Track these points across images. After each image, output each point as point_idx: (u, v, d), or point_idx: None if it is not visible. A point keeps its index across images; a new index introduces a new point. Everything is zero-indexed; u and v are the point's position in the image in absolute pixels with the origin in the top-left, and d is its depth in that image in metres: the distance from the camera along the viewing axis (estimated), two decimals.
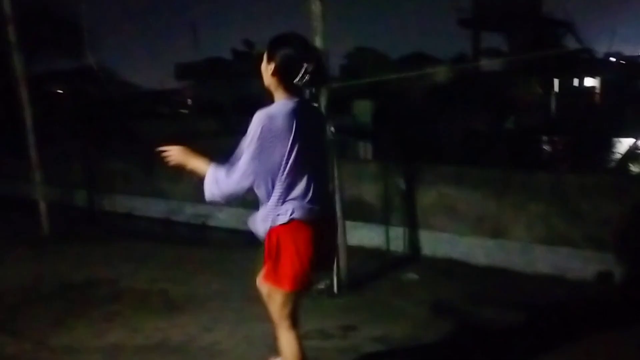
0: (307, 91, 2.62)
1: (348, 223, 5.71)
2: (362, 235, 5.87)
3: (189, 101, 32.96)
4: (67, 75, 17.87)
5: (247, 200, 2.74)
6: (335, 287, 4.59)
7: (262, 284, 2.75)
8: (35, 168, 6.45)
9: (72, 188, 8.26)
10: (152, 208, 7.60)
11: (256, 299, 4.18)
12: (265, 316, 3.70)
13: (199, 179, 2.61)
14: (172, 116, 25.20)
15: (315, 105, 2.83)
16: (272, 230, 2.56)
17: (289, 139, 2.45)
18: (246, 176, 2.48)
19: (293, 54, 2.52)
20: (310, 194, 2.55)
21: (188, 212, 7.18)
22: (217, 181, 2.53)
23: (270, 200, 2.53)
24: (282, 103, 2.54)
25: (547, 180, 5.14)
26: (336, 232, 2.95)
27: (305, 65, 2.48)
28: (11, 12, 6.09)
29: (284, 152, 2.46)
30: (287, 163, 2.47)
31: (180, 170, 2.74)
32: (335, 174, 4.61)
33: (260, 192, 2.56)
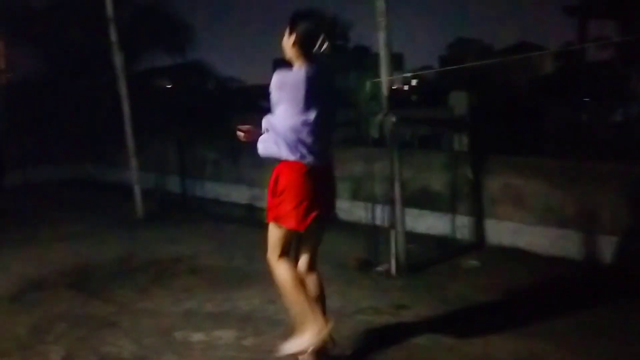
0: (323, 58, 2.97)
1: (415, 211, 5.97)
2: (429, 223, 6.06)
3: None
4: (172, 70, 18.92)
5: None
6: (394, 269, 4.82)
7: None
8: (132, 156, 7.11)
9: (166, 175, 8.98)
10: (237, 194, 8.11)
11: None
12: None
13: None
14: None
15: (329, 72, 3.10)
16: (280, 171, 2.94)
17: (303, 98, 2.83)
18: (267, 125, 2.95)
19: (311, 27, 2.90)
20: (317, 145, 2.93)
21: None
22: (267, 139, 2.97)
23: (284, 145, 2.89)
24: (297, 69, 2.92)
25: (615, 170, 5.06)
26: (334, 182, 3.20)
27: (322, 36, 2.87)
28: (112, 13, 6.74)
29: (299, 107, 2.84)
30: (301, 117, 2.85)
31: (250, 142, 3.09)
32: (395, 161, 4.80)
33: (277, 141, 2.92)
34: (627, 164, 5.13)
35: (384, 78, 4.72)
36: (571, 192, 5.13)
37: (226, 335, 3.72)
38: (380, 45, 4.67)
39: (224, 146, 8.41)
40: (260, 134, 3.02)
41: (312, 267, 3.19)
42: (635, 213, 4.82)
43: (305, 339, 3.00)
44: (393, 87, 4.86)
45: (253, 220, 7.10)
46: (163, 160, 9.03)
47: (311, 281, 3.16)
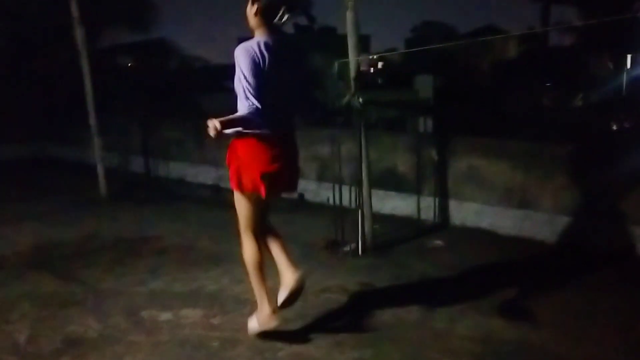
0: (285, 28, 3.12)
1: (381, 192, 6.03)
2: (394, 204, 6.13)
3: None
4: (135, 48, 18.55)
5: None
6: (360, 249, 4.88)
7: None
8: (94, 134, 6.99)
9: (130, 154, 8.87)
10: (203, 175, 8.06)
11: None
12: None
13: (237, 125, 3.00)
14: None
15: (293, 41, 3.20)
16: (238, 141, 3.03)
17: (263, 66, 2.91)
18: (244, 97, 2.93)
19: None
20: (276, 114, 3.01)
21: None
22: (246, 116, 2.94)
23: (257, 109, 2.92)
24: (258, 38, 3.00)
25: (572, 151, 5.20)
26: (297, 153, 3.30)
27: (283, 7, 2.98)
28: None
29: (259, 76, 2.90)
30: (261, 85, 2.90)
31: (221, 137, 2.96)
32: (362, 143, 4.84)
33: (239, 108, 2.95)
34: (583, 146, 5.28)
35: (352, 59, 4.73)
36: (532, 173, 5.25)
37: (194, 314, 3.73)
38: (348, 25, 4.67)
39: (189, 126, 8.33)
40: (228, 123, 2.93)
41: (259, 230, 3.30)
42: (589, 193, 4.98)
43: (256, 322, 3.31)
44: (361, 69, 4.87)
45: (219, 201, 7.08)
46: (127, 140, 8.90)
47: (272, 237, 3.35)
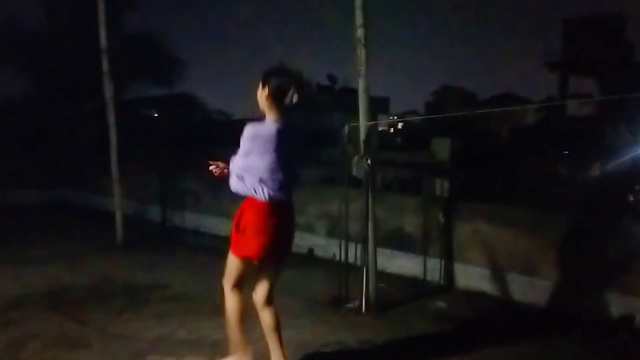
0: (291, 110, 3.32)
1: (388, 251, 6.17)
2: (401, 263, 6.25)
3: None
4: (159, 101, 19.20)
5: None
6: (363, 307, 4.98)
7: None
8: (115, 183, 7.26)
9: (148, 204, 9.12)
10: (217, 226, 8.25)
11: (291, 311, 4.69)
12: (292, 326, 4.19)
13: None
14: None
15: (296, 124, 3.41)
16: (245, 207, 3.26)
17: (271, 150, 3.16)
18: (237, 169, 3.21)
19: (283, 82, 3.23)
20: (280, 189, 3.24)
21: None
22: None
23: (252, 188, 3.19)
24: (270, 122, 3.25)
25: (575, 221, 5.32)
26: (293, 223, 3.51)
27: (291, 90, 3.20)
28: (106, 44, 6.98)
29: (267, 157, 3.16)
30: (267, 165, 3.16)
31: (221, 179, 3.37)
32: (369, 202, 5.01)
33: (246, 182, 3.21)
34: (590, 216, 5.39)
35: (362, 122, 4.96)
36: (535, 240, 5.37)
37: None
38: (360, 91, 4.93)
39: (205, 178, 8.56)
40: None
41: (269, 300, 3.45)
42: (590, 262, 5.06)
43: None
44: (380, 129, 5.11)
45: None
46: (145, 189, 9.18)
47: (267, 314, 3.44)
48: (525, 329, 4.76)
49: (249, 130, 3.17)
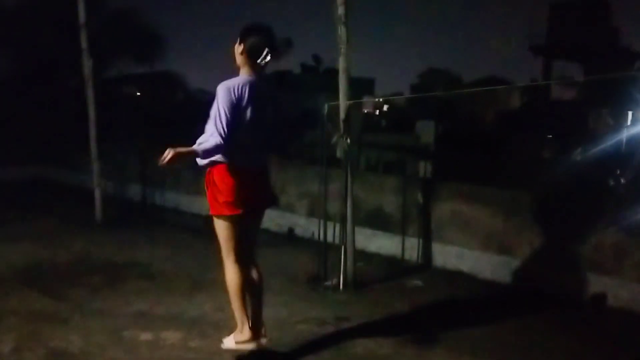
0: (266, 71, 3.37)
1: (368, 231, 6.22)
2: (380, 243, 6.31)
3: None
4: (140, 79, 18.99)
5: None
6: (341, 285, 5.04)
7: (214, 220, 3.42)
8: (94, 160, 7.22)
9: (128, 182, 9.07)
10: (197, 205, 8.23)
11: (270, 289, 4.73)
12: (270, 303, 4.24)
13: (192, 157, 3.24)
14: None
15: (272, 84, 3.47)
16: (214, 169, 3.24)
17: (242, 104, 3.17)
18: (216, 131, 3.14)
19: (259, 41, 3.27)
20: (249, 150, 3.28)
21: None
22: (201, 145, 3.18)
23: (215, 145, 3.14)
24: (241, 77, 3.27)
25: (551, 202, 5.41)
26: (269, 183, 3.55)
27: (267, 49, 3.25)
28: (85, 20, 6.89)
29: (238, 113, 3.16)
30: (238, 121, 3.17)
31: (174, 164, 3.21)
32: (348, 182, 5.05)
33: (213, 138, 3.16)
34: (566, 197, 5.47)
35: (342, 102, 4.97)
36: (511, 220, 5.45)
37: (173, 336, 3.88)
38: (340, 70, 4.93)
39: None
40: (184, 153, 3.15)
41: (241, 258, 3.45)
42: (564, 242, 5.16)
43: (232, 341, 3.52)
44: (365, 111, 5.13)
45: (209, 231, 7.23)
46: (125, 168, 9.12)
47: (234, 270, 3.45)
48: (500, 307, 4.86)
49: (220, 88, 3.17)
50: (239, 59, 3.32)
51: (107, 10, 14.22)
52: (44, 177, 10.75)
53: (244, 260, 3.44)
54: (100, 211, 7.29)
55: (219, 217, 3.36)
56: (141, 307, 4.42)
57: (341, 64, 4.93)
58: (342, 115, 4.97)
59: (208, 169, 3.30)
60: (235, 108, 3.16)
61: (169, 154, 3.09)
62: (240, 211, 3.28)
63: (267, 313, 4.15)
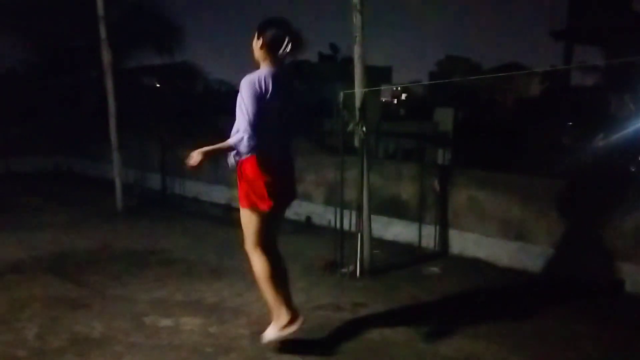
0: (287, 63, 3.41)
1: (385, 218, 6.24)
2: (397, 230, 6.33)
3: None
4: (160, 70, 19.08)
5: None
6: (358, 272, 5.08)
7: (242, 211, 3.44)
8: (114, 150, 7.32)
9: (148, 172, 9.19)
10: (216, 194, 8.34)
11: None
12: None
13: (223, 156, 3.34)
14: None
15: (292, 75, 3.53)
16: (245, 161, 3.27)
17: (267, 96, 3.20)
18: (244, 129, 3.19)
19: (278, 33, 3.29)
20: (276, 140, 3.33)
21: None
22: (235, 143, 3.21)
23: (247, 138, 3.19)
24: (263, 70, 3.30)
25: (568, 188, 5.37)
26: (293, 175, 3.57)
27: (286, 42, 3.27)
28: (103, 11, 6.97)
29: (263, 104, 3.19)
30: (264, 113, 3.20)
31: (202, 167, 3.32)
32: (364, 170, 5.06)
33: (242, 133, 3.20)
34: (579, 183, 5.43)
35: (358, 89, 4.98)
36: (529, 206, 5.43)
37: (193, 322, 3.95)
38: (355, 58, 4.94)
39: (205, 146, 8.61)
40: (211, 152, 3.26)
41: (268, 246, 3.48)
42: (582, 228, 5.14)
43: (274, 330, 3.48)
44: (383, 100, 5.14)
45: (229, 220, 7.31)
46: (146, 158, 9.23)
47: (261, 259, 3.46)
48: (517, 294, 4.86)
49: (244, 82, 3.21)
50: (259, 54, 3.34)
51: (127, 1, 14.31)
52: (65, 167, 10.95)
53: (270, 249, 3.47)
54: (120, 200, 7.41)
55: (250, 210, 3.38)
56: (161, 293, 4.51)
57: (356, 52, 4.94)
58: (357, 103, 4.98)
59: (239, 161, 3.33)
60: (261, 100, 3.19)
61: (196, 156, 3.19)
62: (272, 204, 3.31)
63: None
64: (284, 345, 3.56)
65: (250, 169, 3.29)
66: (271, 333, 3.50)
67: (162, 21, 15.11)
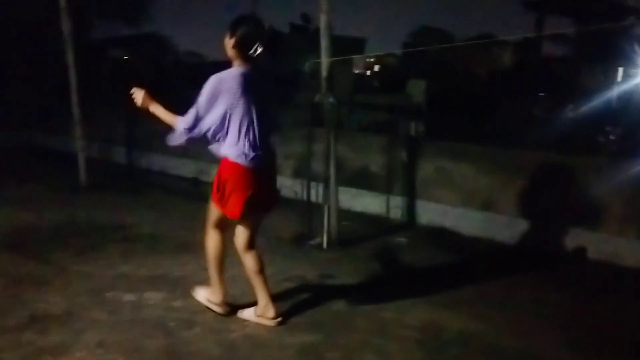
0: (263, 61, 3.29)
1: (354, 190, 6.22)
2: (366, 202, 6.33)
3: None
4: (127, 42, 18.69)
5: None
6: (325, 243, 5.07)
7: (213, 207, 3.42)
8: (77, 124, 7.15)
9: (114, 145, 9.03)
10: (184, 168, 8.23)
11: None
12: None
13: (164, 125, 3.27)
14: None
15: (265, 73, 3.37)
16: (223, 167, 3.23)
17: (236, 97, 3.11)
18: (196, 121, 3.15)
19: (249, 32, 3.19)
20: (255, 144, 3.21)
21: (214, 173, 7.76)
22: (178, 124, 3.19)
23: (226, 142, 3.18)
24: (234, 69, 3.20)
25: (535, 158, 5.41)
26: (275, 178, 3.53)
27: (257, 41, 3.18)
28: None
29: (232, 106, 3.12)
30: (235, 115, 3.13)
31: (144, 112, 3.33)
32: (331, 142, 5.02)
33: (215, 137, 3.20)
34: (545, 153, 5.48)
35: (324, 59, 4.91)
36: (496, 177, 5.46)
37: (156, 296, 3.90)
38: (321, 27, 4.86)
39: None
40: (158, 104, 3.29)
41: (250, 245, 3.48)
42: (547, 198, 5.19)
43: (204, 294, 3.66)
44: (356, 72, 5.06)
45: (196, 193, 7.25)
46: (111, 131, 9.06)
47: (249, 258, 3.49)
48: (482, 263, 4.92)
49: (211, 79, 3.13)
50: (230, 52, 3.25)
51: None
52: (29, 142, 10.68)
53: (219, 229, 3.49)
54: (84, 175, 7.25)
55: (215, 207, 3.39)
56: (125, 269, 4.44)
57: (322, 20, 4.86)
58: (324, 73, 4.91)
59: (222, 166, 3.27)
60: (222, 100, 3.11)
61: (141, 97, 3.23)
62: (240, 214, 3.29)
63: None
64: (248, 317, 3.55)
65: (228, 173, 3.24)
66: (202, 295, 3.68)
67: None
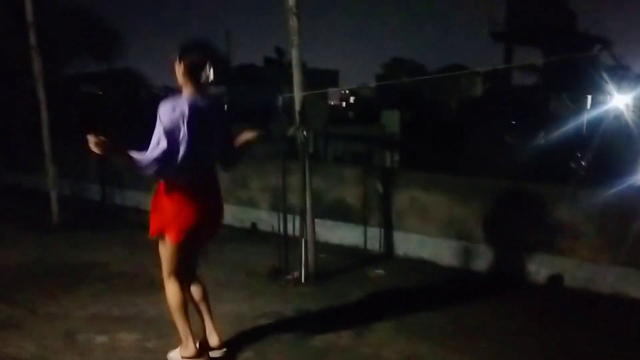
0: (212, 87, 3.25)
1: (330, 222, 6.20)
2: (342, 234, 6.30)
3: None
4: (99, 77, 18.62)
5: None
6: (303, 277, 5.01)
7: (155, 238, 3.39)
8: (49, 161, 7.04)
9: (86, 182, 8.89)
10: None
11: (231, 284, 4.71)
12: (231, 298, 4.22)
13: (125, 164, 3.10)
14: None
15: (218, 100, 3.37)
16: (162, 191, 3.19)
17: (185, 126, 3.02)
18: (156, 151, 3.00)
19: (198, 58, 3.12)
20: (197, 168, 3.14)
21: None
22: (141, 159, 3.03)
23: (170, 168, 3.05)
24: (183, 96, 3.13)
25: (508, 187, 5.46)
26: (220, 205, 3.42)
27: (207, 67, 3.10)
28: (32, 17, 6.69)
29: (181, 133, 3.01)
30: (182, 141, 3.03)
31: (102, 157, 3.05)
32: (307, 174, 5.01)
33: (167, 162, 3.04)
34: (518, 182, 5.53)
35: (297, 93, 4.93)
36: (470, 207, 5.48)
37: (129, 337, 3.81)
38: (294, 62, 4.88)
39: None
40: (116, 149, 2.97)
41: (193, 274, 3.46)
42: (521, 226, 5.22)
43: (177, 355, 3.44)
44: (332, 103, 5.08)
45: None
46: (84, 168, 8.93)
47: (194, 288, 3.47)
48: (460, 292, 4.90)
49: (162, 107, 3.03)
50: (181, 79, 3.17)
51: (59, 7, 13.91)
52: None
53: (185, 278, 3.39)
54: (56, 213, 7.12)
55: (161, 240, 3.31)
56: (97, 309, 4.33)
57: (294, 55, 4.89)
58: (297, 107, 4.92)
59: (158, 187, 3.22)
60: (176, 128, 3.01)
61: (96, 144, 2.84)
62: (181, 238, 3.20)
63: (228, 308, 4.17)
64: (226, 356, 3.47)
65: (171, 202, 3.17)
66: (174, 356, 3.47)
67: (98, 27, 14.75)
